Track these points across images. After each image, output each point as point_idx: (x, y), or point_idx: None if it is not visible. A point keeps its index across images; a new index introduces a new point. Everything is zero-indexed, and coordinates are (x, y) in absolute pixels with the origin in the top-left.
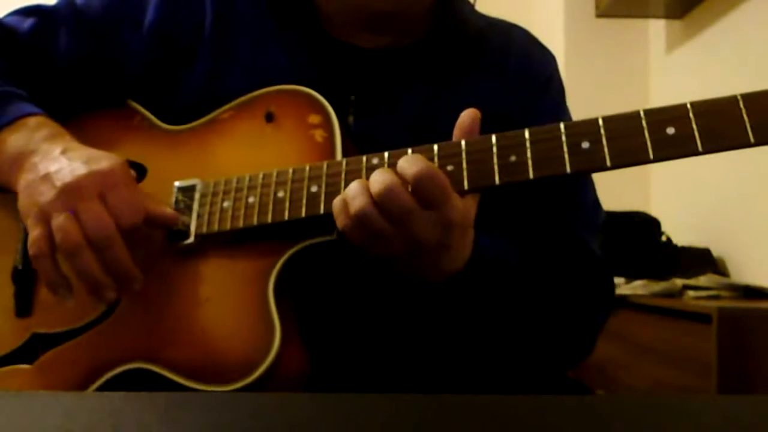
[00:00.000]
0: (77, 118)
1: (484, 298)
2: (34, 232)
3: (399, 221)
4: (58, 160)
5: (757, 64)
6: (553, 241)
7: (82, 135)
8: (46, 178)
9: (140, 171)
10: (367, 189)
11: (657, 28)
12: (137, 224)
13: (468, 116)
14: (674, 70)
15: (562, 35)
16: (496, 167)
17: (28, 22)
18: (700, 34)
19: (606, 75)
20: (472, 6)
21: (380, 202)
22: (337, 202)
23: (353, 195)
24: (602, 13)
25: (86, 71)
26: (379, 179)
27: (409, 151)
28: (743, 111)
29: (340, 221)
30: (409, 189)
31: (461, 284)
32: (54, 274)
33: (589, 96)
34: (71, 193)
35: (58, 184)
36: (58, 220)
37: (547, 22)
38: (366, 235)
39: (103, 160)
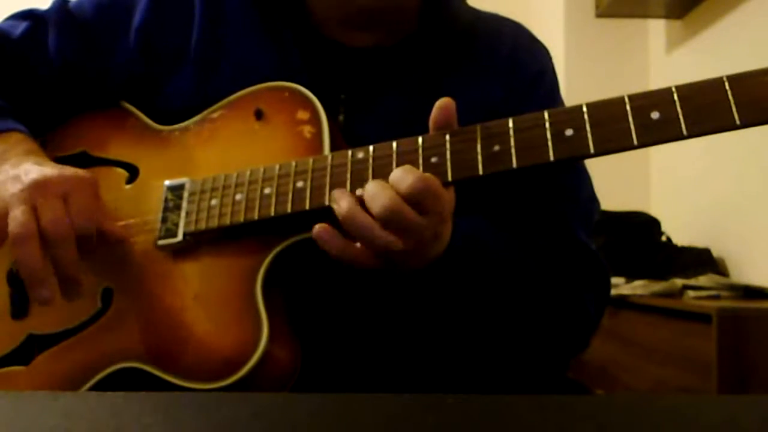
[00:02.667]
0: (71, 121)
1: (467, 277)
2: None
3: (402, 233)
4: (28, 166)
5: (757, 65)
6: (543, 231)
7: (76, 137)
8: (15, 178)
9: (133, 171)
10: (362, 211)
11: (657, 28)
12: (90, 231)
13: (440, 108)
14: (674, 70)
15: (562, 35)
16: (479, 157)
17: (20, 27)
18: (700, 34)
19: (606, 75)
20: (463, 1)
21: (385, 223)
22: (348, 218)
23: (358, 226)
24: (602, 13)
25: (77, 74)
26: (378, 202)
27: (394, 144)
28: (728, 92)
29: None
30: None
31: (443, 265)
32: None
33: (589, 96)
34: (35, 189)
35: (26, 181)
36: (16, 211)
37: (547, 22)
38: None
39: (77, 171)
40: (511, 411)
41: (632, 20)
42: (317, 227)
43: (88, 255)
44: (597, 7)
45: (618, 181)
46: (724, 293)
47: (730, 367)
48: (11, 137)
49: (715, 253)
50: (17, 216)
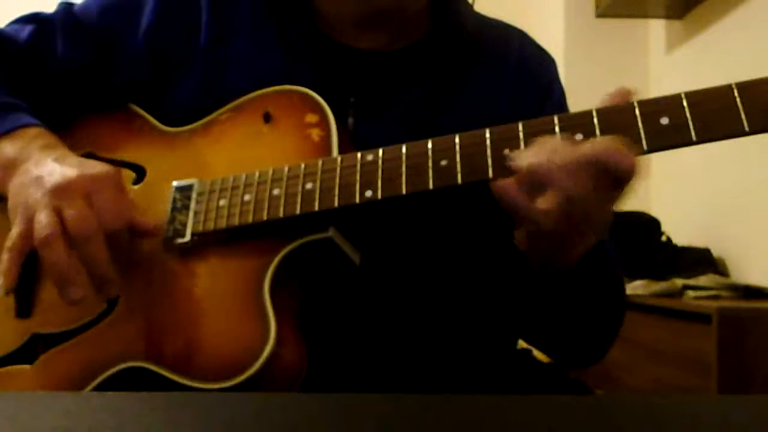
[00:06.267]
0: (79, 122)
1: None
2: (15, 230)
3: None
4: (50, 165)
5: (756, 64)
6: None
7: (83, 138)
8: (38, 180)
9: (140, 173)
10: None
11: (657, 28)
12: (118, 229)
13: (621, 94)
14: (674, 70)
15: (562, 35)
16: (490, 161)
17: (26, 31)
18: (700, 34)
19: (606, 75)
20: (470, 6)
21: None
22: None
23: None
24: (602, 13)
25: (85, 77)
26: (577, 151)
27: (404, 148)
28: (737, 99)
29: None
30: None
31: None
32: (14, 271)
33: (589, 96)
34: (58, 192)
35: (47, 185)
36: (39, 216)
37: (547, 22)
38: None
39: (97, 166)
40: (511, 411)
41: (632, 20)
42: (499, 182)
43: (121, 253)
44: (597, 7)
45: None
46: (724, 293)
47: (730, 367)
48: (28, 132)
49: (715, 253)
50: (41, 220)
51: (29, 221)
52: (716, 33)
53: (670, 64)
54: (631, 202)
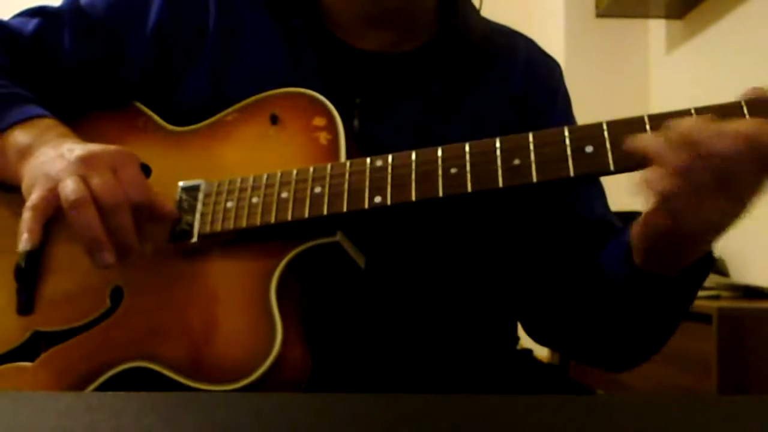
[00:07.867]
0: (82, 119)
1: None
2: (36, 194)
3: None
4: (69, 145)
5: (757, 65)
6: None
7: (87, 135)
8: (59, 156)
9: (145, 171)
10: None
11: (657, 28)
12: (144, 203)
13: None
14: (674, 70)
15: (562, 35)
16: (499, 170)
17: (32, 24)
18: (700, 34)
19: (606, 75)
20: (477, 11)
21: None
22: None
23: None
24: (602, 13)
25: (90, 72)
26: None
27: (413, 154)
28: (747, 116)
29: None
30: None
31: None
32: (37, 228)
33: (589, 96)
34: (83, 164)
35: (71, 157)
36: (66, 181)
37: (547, 22)
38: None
39: (117, 146)
40: (511, 411)
41: (632, 20)
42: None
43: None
44: (597, 7)
45: (618, 181)
46: (724, 293)
47: (730, 367)
48: (41, 123)
49: (715, 253)
50: (69, 185)
51: (52, 189)
52: (716, 33)
53: (670, 64)
54: (629, 201)
